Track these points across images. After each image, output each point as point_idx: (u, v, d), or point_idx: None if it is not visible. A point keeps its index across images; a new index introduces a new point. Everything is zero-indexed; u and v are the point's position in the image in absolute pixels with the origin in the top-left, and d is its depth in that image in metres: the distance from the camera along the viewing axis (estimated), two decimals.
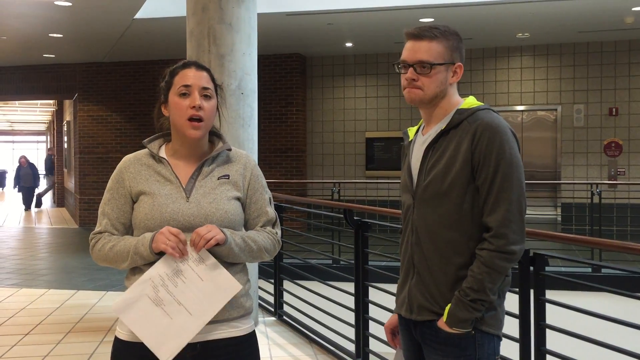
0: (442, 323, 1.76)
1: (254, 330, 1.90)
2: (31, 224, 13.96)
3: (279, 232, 1.93)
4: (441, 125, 1.82)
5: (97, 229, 1.86)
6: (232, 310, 1.80)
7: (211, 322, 1.76)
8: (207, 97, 1.83)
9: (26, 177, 17.62)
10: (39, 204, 17.90)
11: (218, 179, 1.85)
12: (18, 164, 18.71)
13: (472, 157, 1.73)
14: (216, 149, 1.87)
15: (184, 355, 1.75)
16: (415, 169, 1.87)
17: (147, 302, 1.73)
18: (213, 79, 1.88)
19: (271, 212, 1.91)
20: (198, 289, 1.73)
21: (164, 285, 1.73)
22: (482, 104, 1.84)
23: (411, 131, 1.98)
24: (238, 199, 1.86)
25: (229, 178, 1.86)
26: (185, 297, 1.72)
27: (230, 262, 1.80)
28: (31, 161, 18.84)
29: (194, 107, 1.79)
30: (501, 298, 1.80)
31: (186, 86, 1.81)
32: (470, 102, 1.84)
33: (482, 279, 1.70)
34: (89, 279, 7.17)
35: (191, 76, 1.82)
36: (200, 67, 1.86)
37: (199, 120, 1.80)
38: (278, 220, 1.95)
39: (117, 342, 1.82)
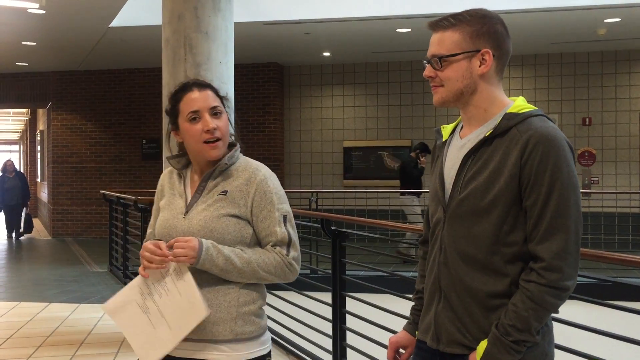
0: None
1: None
2: (1, 235, 13.68)
3: (294, 253, 1.77)
4: (484, 131, 1.55)
5: None
6: (220, 332, 1.73)
7: (200, 341, 1.73)
8: (217, 114, 1.79)
9: (13, 192, 12.32)
10: (29, 228, 12.60)
11: (218, 195, 1.79)
12: (1, 173, 12.64)
13: (520, 173, 1.46)
14: (218, 164, 1.81)
15: None
16: (449, 177, 1.60)
17: (136, 307, 1.76)
18: (217, 93, 1.83)
19: (280, 232, 1.76)
20: (177, 303, 1.71)
21: (150, 294, 1.75)
22: (535, 108, 1.55)
23: (445, 130, 1.69)
24: (236, 216, 1.76)
25: (226, 194, 1.79)
26: (167, 310, 1.72)
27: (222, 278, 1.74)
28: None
29: (208, 130, 1.76)
30: (546, 339, 1.53)
31: (194, 112, 1.77)
32: (521, 104, 1.55)
33: (528, 317, 1.44)
34: (61, 291, 7.03)
35: (197, 99, 1.78)
36: (202, 86, 1.81)
37: (216, 140, 1.78)
38: (292, 240, 1.79)
39: None
